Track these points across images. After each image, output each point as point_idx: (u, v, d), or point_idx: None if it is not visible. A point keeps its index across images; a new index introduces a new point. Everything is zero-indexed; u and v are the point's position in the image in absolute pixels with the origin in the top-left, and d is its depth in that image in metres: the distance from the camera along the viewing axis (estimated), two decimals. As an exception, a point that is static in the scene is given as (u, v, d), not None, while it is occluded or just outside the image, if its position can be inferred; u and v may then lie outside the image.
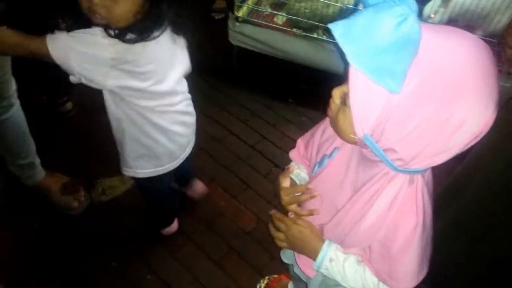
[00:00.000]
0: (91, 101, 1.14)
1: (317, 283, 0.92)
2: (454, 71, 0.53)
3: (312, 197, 0.82)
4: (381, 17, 0.52)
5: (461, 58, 0.54)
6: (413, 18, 0.51)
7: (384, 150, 0.61)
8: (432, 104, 0.54)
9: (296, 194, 0.84)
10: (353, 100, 0.58)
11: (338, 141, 0.77)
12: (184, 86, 1.13)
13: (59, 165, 1.60)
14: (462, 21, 1.67)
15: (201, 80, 2.08)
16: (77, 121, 1.88)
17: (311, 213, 0.82)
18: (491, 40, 1.63)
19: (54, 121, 1.84)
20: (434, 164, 0.61)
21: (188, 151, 1.24)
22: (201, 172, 1.68)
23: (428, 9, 1.65)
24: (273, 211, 0.88)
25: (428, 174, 0.70)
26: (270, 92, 2.05)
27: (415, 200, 0.68)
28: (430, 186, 0.71)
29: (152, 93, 1.03)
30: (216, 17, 2.44)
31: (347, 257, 0.78)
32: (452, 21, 1.68)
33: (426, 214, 0.69)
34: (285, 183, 0.86)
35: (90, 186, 1.64)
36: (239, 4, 1.86)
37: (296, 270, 0.97)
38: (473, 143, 0.58)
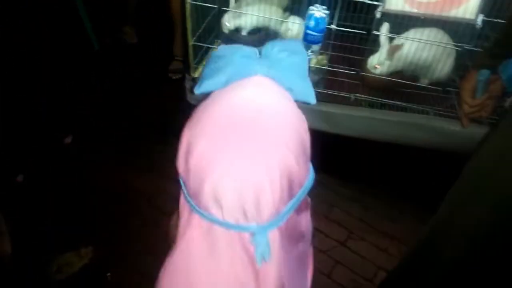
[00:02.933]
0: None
1: None
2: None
3: None
4: None
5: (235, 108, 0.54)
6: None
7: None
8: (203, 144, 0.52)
9: None
10: None
11: None
12: None
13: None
14: (407, 71, 1.71)
15: (163, 142, 2.00)
16: (29, 192, 1.73)
17: None
18: (437, 88, 1.68)
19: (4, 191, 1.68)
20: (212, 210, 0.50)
21: None
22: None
23: (374, 60, 1.67)
24: None
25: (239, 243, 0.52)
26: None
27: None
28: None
29: None
30: (174, 78, 2.40)
31: None
32: (398, 72, 1.71)
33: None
34: None
35: (45, 264, 1.48)
36: (195, 65, 1.83)
37: None
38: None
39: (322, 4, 1.47)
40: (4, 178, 1.75)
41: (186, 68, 1.84)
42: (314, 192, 1.95)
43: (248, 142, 0.50)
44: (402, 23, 1.59)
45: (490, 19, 1.36)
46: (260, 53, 0.60)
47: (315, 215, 1.70)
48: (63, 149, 1.95)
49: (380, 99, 1.71)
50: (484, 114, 1.01)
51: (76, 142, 1.99)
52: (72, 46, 2.51)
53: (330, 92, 1.72)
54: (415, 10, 1.38)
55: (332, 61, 1.71)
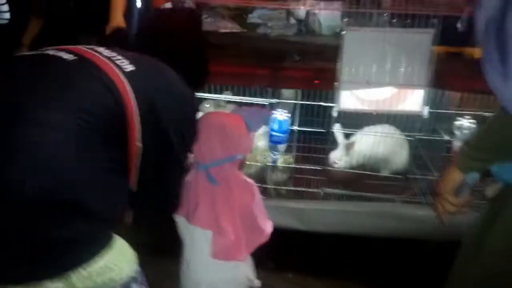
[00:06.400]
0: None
1: None
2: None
3: None
4: None
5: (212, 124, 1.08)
6: None
7: None
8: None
9: None
10: None
11: None
12: None
13: None
14: (367, 165, 1.74)
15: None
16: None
17: None
18: (397, 176, 1.70)
19: None
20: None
21: None
22: None
23: (334, 156, 1.70)
24: None
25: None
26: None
27: None
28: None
29: None
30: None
31: None
32: (359, 166, 1.73)
33: None
34: None
35: None
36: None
37: None
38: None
39: (283, 108, 1.53)
40: None
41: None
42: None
43: (202, 134, 1.02)
44: (356, 123, 1.68)
45: (435, 110, 1.47)
46: None
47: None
48: None
49: (347, 191, 1.70)
50: (467, 208, 0.96)
51: None
52: None
53: (299, 189, 1.69)
54: (366, 108, 1.46)
55: (297, 161, 1.73)
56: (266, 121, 1.19)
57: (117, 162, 0.75)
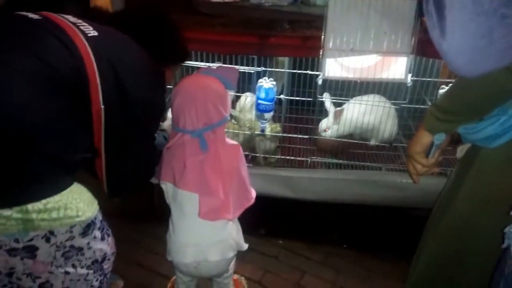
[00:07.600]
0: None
1: None
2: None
3: None
4: None
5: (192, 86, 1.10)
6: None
7: None
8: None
9: None
10: None
11: None
12: None
13: None
14: (355, 134, 1.75)
15: (124, 225, 1.86)
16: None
17: None
18: (385, 145, 1.71)
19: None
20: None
21: None
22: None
23: (323, 125, 1.71)
24: None
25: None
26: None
27: None
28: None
29: None
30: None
31: None
32: (347, 135, 1.74)
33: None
34: None
35: None
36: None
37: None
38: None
39: (269, 77, 1.53)
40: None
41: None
42: (284, 260, 1.79)
43: (195, 100, 1.06)
44: (344, 92, 1.68)
45: (418, 78, 1.46)
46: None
47: (286, 284, 1.57)
48: None
49: (335, 160, 1.72)
50: (437, 170, 0.98)
51: None
52: None
53: (288, 157, 1.72)
54: (351, 76, 1.46)
55: (285, 131, 1.74)
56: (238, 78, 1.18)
57: (78, 114, 0.78)
